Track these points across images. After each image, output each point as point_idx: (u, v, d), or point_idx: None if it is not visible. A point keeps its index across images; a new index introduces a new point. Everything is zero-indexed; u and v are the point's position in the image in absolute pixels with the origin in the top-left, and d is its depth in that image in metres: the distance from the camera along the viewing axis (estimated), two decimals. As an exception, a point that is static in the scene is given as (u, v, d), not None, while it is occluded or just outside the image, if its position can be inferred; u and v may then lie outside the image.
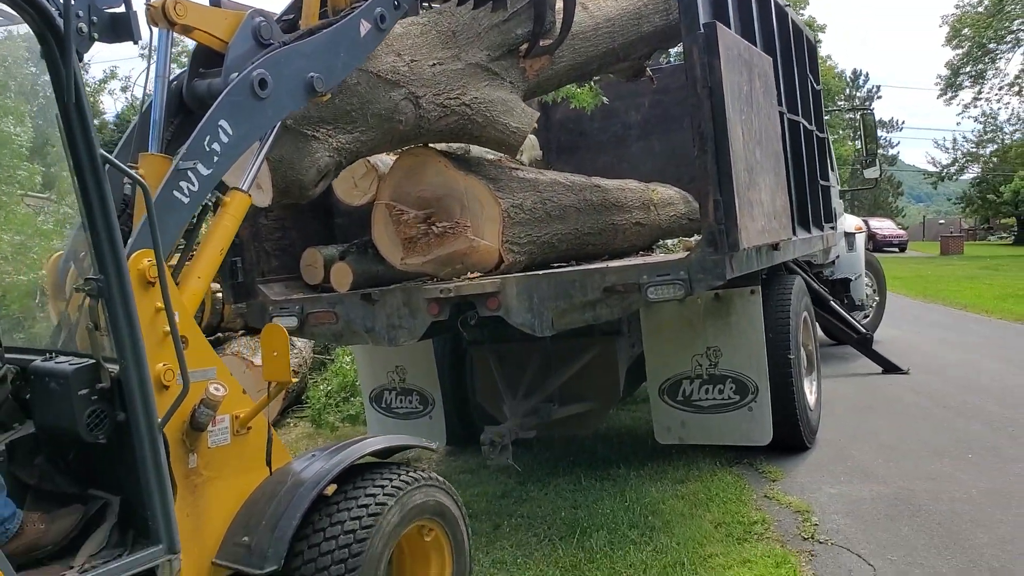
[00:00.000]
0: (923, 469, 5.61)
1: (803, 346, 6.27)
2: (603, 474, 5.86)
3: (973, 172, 55.53)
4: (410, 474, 3.33)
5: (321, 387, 8.02)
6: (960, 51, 41.91)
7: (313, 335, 5.17)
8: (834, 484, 5.41)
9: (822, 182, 7.75)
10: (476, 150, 7.06)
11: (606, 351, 5.52)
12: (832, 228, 8.37)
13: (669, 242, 7.04)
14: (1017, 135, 49.12)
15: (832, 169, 9.25)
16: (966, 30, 40.59)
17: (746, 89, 4.73)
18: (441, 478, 3.50)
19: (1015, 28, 39.89)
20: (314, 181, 4.21)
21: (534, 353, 5.55)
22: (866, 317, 10.78)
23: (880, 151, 10.48)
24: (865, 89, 73.39)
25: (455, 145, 6.74)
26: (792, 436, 5.94)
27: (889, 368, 9.14)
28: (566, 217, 5.63)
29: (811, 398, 6.32)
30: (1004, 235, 62.69)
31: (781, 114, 6.03)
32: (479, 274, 4.87)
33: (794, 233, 5.85)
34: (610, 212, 6.30)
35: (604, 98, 8.33)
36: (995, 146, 53.68)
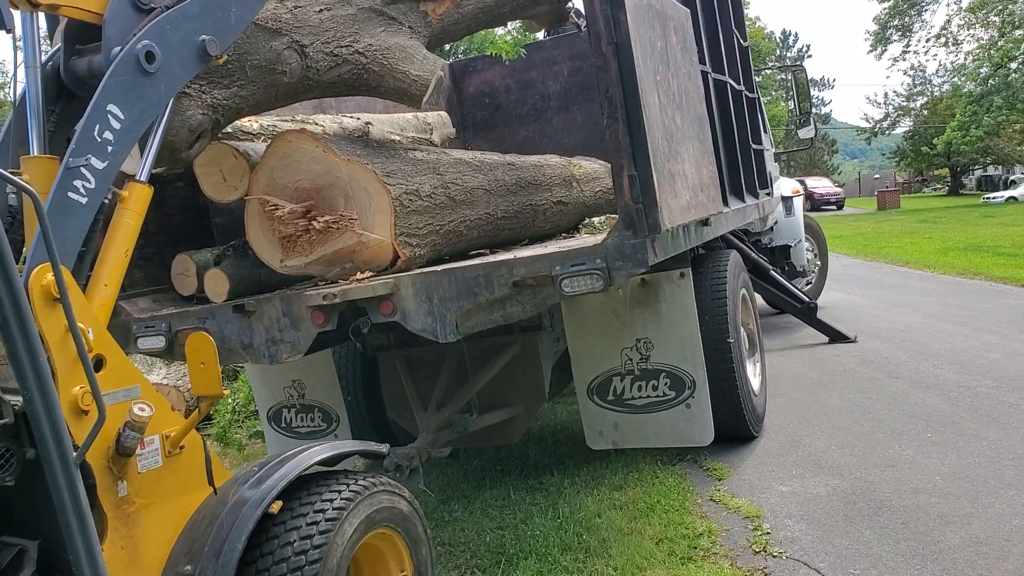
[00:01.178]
0: (881, 455, 5.12)
1: (743, 326, 5.74)
2: (535, 483, 5.28)
3: (905, 126, 56.15)
4: (360, 482, 3.14)
5: (228, 401, 7.32)
6: (887, 4, 41.98)
7: (184, 356, 4.46)
8: (786, 480, 4.89)
9: (754, 146, 7.22)
10: (378, 128, 6.43)
11: (527, 349, 4.92)
12: (768, 194, 7.86)
13: (596, 220, 6.48)
14: (946, 87, 49.64)
15: (765, 131, 8.74)
16: (891, -17, 40.63)
17: (660, 45, 4.14)
18: (392, 481, 3.32)
19: (939, -21, 40.04)
20: (187, 142, 3.76)
21: (447, 357, 4.94)
22: (808, 284, 10.35)
23: (813, 110, 10.01)
24: (795, 49, 73.62)
25: (356, 124, 6.12)
26: (737, 427, 5.42)
27: (836, 337, 8.71)
28: (475, 201, 5.01)
29: (755, 382, 5.81)
30: (938, 186, 63.72)
31: (705, 74, 5.45)
32: (370, 274, 4.23)
33: (726, 204, 5.30)
34: (527, 192, 5.71)
35: (523, 51, 7.72)
36: (924, 99, 54.29)
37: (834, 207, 44.94)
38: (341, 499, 3.01)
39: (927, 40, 43.04)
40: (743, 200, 6.18)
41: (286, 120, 5.46)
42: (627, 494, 4.87)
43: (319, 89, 4.53)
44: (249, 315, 4.28)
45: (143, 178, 3.27)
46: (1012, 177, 47.85)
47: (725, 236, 6.11)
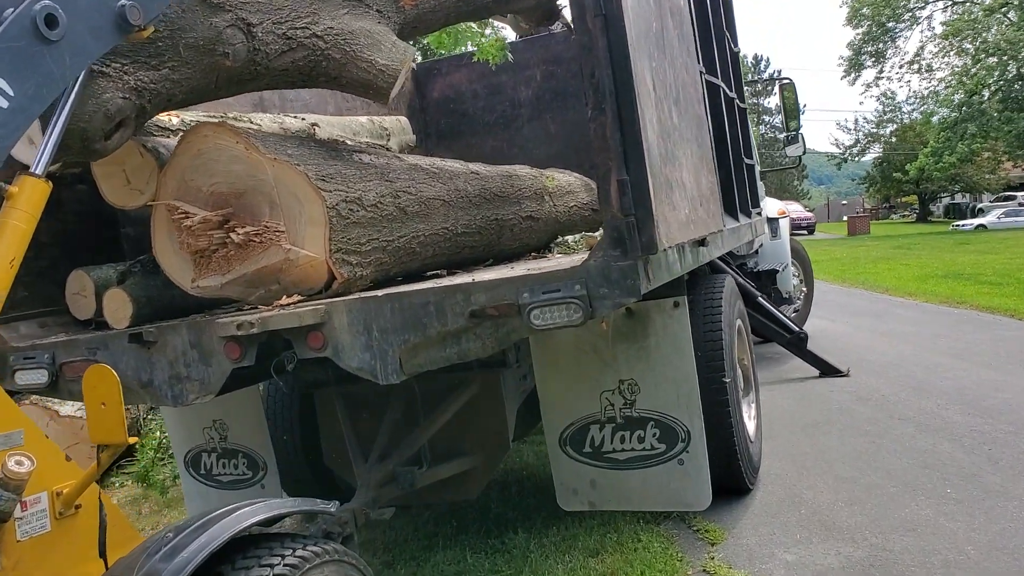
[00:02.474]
0: (897, 515, 4.42)
1: (738, 362, 5.04)
2: (496, 544, 4.52)
3: (875, 152, 56.29)
4: (307, 548, 2.65)
5: (153, 437, 6.48)
6: (860, 31, 41.93)
7: (72, 394, 3.68)
8: (790, 546, 4.16)
9: (746, 160, 6.55)
10: (327, 131, 5.69)
11: (488, 389, 4.17)
12: (759, 214, 7.19)
13: (570, 238, 5.79)
14: (916, 114, 49.79)
15: (753, 147, 8.09)
16: (865, 9, 40.55)
17: (656, 27, 3.43)
18: (344, 548, 2.83)
19: (912, 6, 40.06)
20: (102, 131, 3.18)
21: (393, 397, 4.17)
22: (796, 312, 9.70)
23: (794, 130, 9.39)
24: (767, 74, 73.75)
25: (300, 124, 5.38)
26: (732, 479, 4.71)
27: (827, 370, 8.04)
28: (430, 213, 4.27)
29: (751, 426, 5.09)
30: (906, 213, 63.92)
31: (700, 73, 4.76)
32: (299, 298, 3.48)
33: (725, 221, 4.59)
34: (493, 205, 4.99)
35: (509, 54, 7.03)
36: (894, 126, 54.46)
37: (805, 232, 44.73)
38: (285, 566, 2.54)
39: (900, 67, 42.95)
40: (736, 219, 5.49)
41: (215, 116, 4.69)
42: (604, 562, 4.12)
43: (269, 77, 3.83)
44: (149, 346, 3.51)
45: (39, 171, 2.81)
46: (980, 205, 47.95)
47: (715, 261, 5.40)
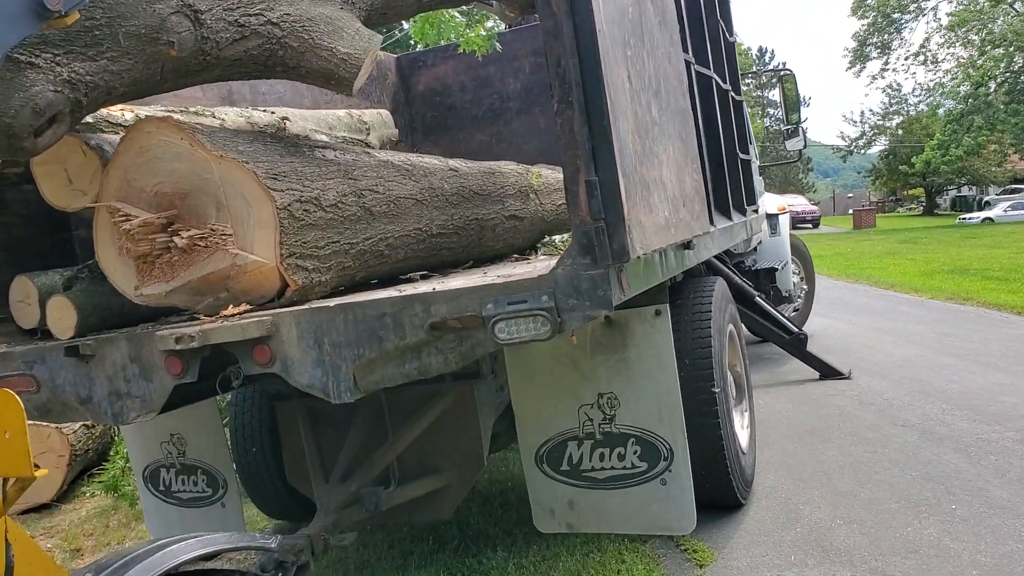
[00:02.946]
0: (898, 534, 4.15)
1: (729, 368, 4.76)
2: (473, 564, 4.26)
3: (881, 145, 55.88)
4: None
5: (124, 446, 6.24)
6: (865, 21, 41.49)
7: (8, 409, 3.41)
8: (784, 569, 3.90)
9: (742, 155, 6.26)
10: (299, 125, 5.44)
11: (462, 401, 3.90)
12: (755, 211, 6.90)
13: (557, 238, 5.53)
14: (922, 106, 49.35)
15: (750, 141, 7.80)
16: (870, 0, 40.11)
17: (633, 13, 3.15)
18: None
19: (917, -3, 39.67)
20: (29, 127, 2.90)
21: (358, 410, 3.91)
22: (796, 311, 9.41)
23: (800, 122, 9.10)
24: (772, 66, 73.20)
25: (269, 119, 5.12)
26: (722, 494, 4.44)
27: (827, 372, 7.77)
28: (401, 213, 4.01)
29: (743, 437, 4.82)
30: (912, 206, 63.49)
31: (687, 64, 4.48)
32: (246, 307, 3.21)
33: (711, 223, 4.31)
34: (472, 203, 4.73)
35: (498, 44, 6.75)
36: (900, 118, 54.03)
37: (810, 225, 44.35)
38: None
39: (906, 58, 42.55)
40: (729, 218, 5.21)
41: (176, 112, 4.42)
42: (585, 585, 3.86)
43: (220, 68, 3.57)
44: (87, 360, 3.25)
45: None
46: (986, 198, 47.51)
47: (709, 260, 5.12)
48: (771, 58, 74.26)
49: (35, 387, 3.31)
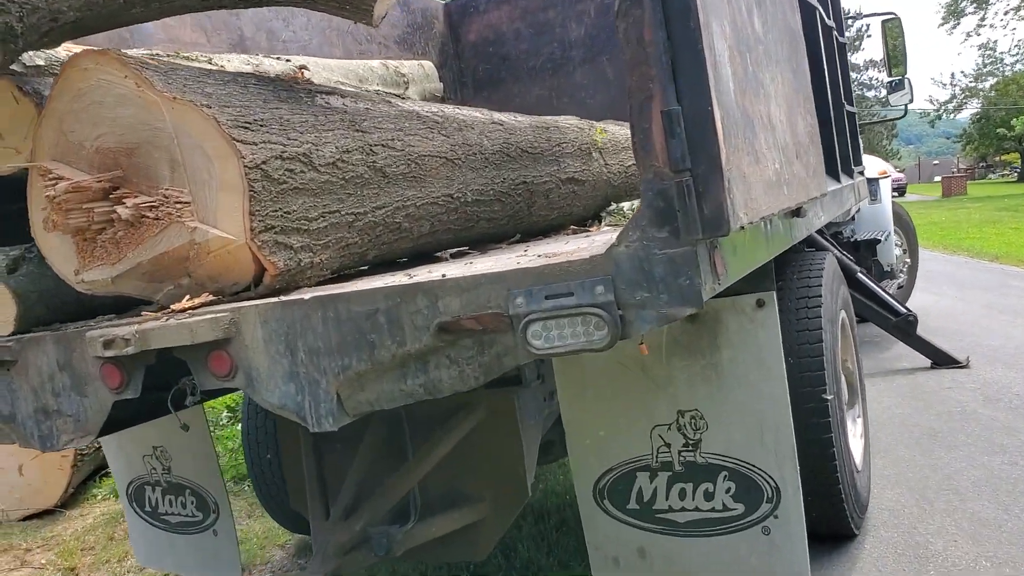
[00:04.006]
0: (1069, 585, 3.20)
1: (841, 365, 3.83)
2: (519, 606, 3.45)
3: (972, 108, 53.17)
4: None
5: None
6: (960, -25, 39.11)
7: (-74, 426, 2.71)
8: (920, 634, 2.99)
9: (847, 107, 5.26)
10: (322, 76, 4.65)
11: (499, 413, 3.06)
12: (861, 174, 5.88)
13: (626, 205, 4.63)
14: (1019, 65, 46.61)
15: (852, 92, 6.75)
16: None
17: None
18: None
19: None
20: None
21: (372, 424, 3.09)
22: (900, 287, 8.34)
23: (889, 82, 7.98)
24: (854, 29, 70.08)
25: (283, 67, 4.34)
26: (833, 523, 3.56)
27: (941, 360, 6.73)
28: (425, 175, 3.20)
29: (857, 451, 3.89)
30: (1006, 172, 60.35)
31: (791, -15, 3.52)
32: (205, 298, 2.43)
33: (826, 182, 3.36)
34: (521, 164, 3.91)
35: None
36: (995, 79, 51.22)
37: (896, 194, 42.34)
38: None
39: (1005, 12, 39.83)
40: (838, 180, 4.24)
41: (165, 57, 3.64)
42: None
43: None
44: (7, 367, 2.50)
45: None
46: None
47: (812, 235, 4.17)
48: (854, 19, 71.18)
49: (-51, 400, 2.58)
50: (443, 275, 2.06)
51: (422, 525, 3.00)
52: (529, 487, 3.02)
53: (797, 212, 2.76)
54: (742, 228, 1.82)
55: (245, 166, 2.37)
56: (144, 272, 2.54)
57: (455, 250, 3.43)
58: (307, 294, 2.19)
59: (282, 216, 2.50)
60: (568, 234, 4.08)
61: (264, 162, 2.45)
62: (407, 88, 5.45)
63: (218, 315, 2.19)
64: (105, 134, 2.54)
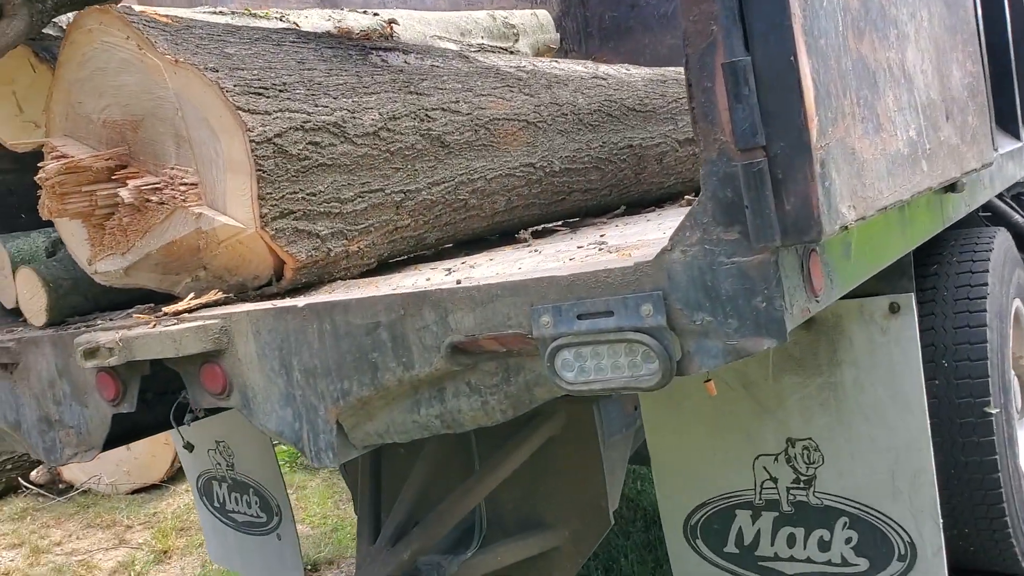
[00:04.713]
0: None
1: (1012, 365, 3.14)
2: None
3: None
4: None
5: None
6: None
7: (-56, 428, 2.51)
8: None
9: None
10: (415, 31, 4.27)
11: (576, 427, 2.59)
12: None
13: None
14: None
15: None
16: None
17: None
18: None
19: None
20: None
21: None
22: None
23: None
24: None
25: (369, 22, 3.97)
26: (996, 562, 2.91)
27: None
28: (498, 143, 2.77)
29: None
30: None
31: None
32: (216, 295, 2.08)
33: (994, 146, 2.67)
34: (625, 124, 3.44)
35: None
36: None
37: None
38: None
39: None
40: (1018, 137, 3.48)
41: (234, 14, 3.33)
42: None
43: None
44: (9, 370, 2.24)
45: None
46: None
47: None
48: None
49: (-38, 401, 2.36)
50: (457, 281, 1.62)
51: (483, 554, 2.59)
52: (611, 514, 2.55)
53: (952, 187, 2.14)
54: (847, 228, 1.28)
55: (252, 141, 2.00)
56: (156, 263, 2.22)
57: (537, 228, 2.97)
58: (301, 301, 1.79)
59: (304, 199, 2.12)
60: (683, 205, 3.53)
61: (279, 135, 2.07)
62: (516, 41, 4.97)
63: (208, 323, 1.83)
64: (111, 105, 2.23)
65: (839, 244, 1.47)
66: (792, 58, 1.16)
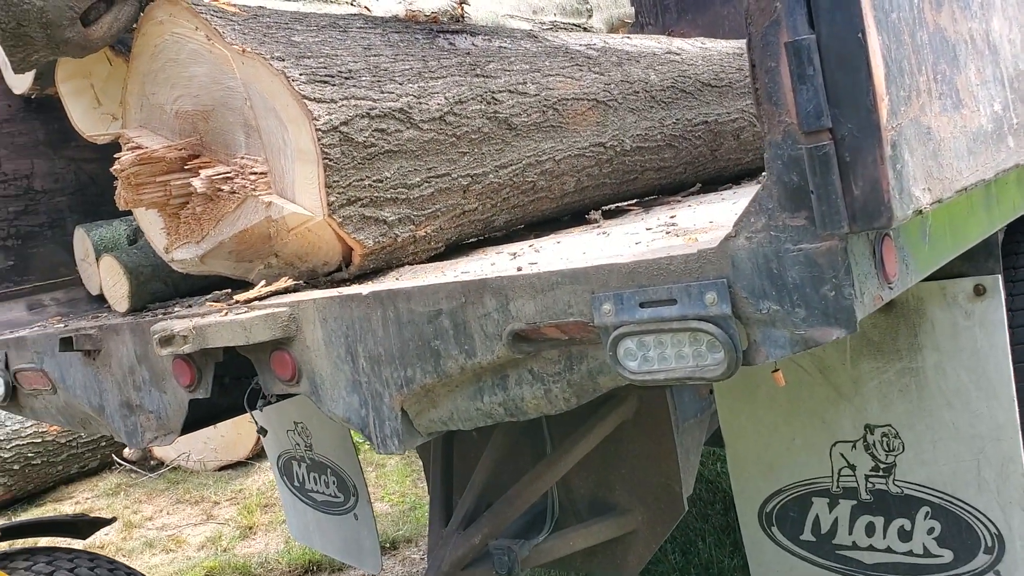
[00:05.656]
0: None
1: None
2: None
3: None
4: None
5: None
6: None
7: (35, 412, 2.61)
8: None
9: None
10: (487, 10, 4.24)
11: (649, 412, 2.55)
12: None
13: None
14: None
15: None
16: None
17: None
18: None
19: None
20: (69, 10, 2.12)
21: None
22: None
23: None
24: None
25: (441, 2, 3.98)
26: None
27: None
28: (567, 124, 2.74)
29: None
30: None
31: None
32: (287, 282, 2.11)
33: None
34: (699, 100, 3.39)
35: None
36: None
37: None
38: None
39: None
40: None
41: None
42: None
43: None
44: (92, 356, 2.31)
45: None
46: None
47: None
48: None
49: (50, 386, 2.45)
50: (518, 268, 1.60)
51: (555, 539, 2.58)
52: (685, 500, 2.51)
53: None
54: (921, 213, 1.21)
55: (318, 130, 2.01)
56: (230, 251, 2.26)
57: (609, 208, 2.93)
58: (366, 288, 1.80)
59: (371, 185, 2.13)
60: (760, 182, 3.44)
61: (345, 123, 2.07)
62: (590, 17, 4.90)
63: (276, 311, 1.85)
64: (182, 96, 2.27)
65: (915, 227, 1.40)
66: (860, 35, 1.10)
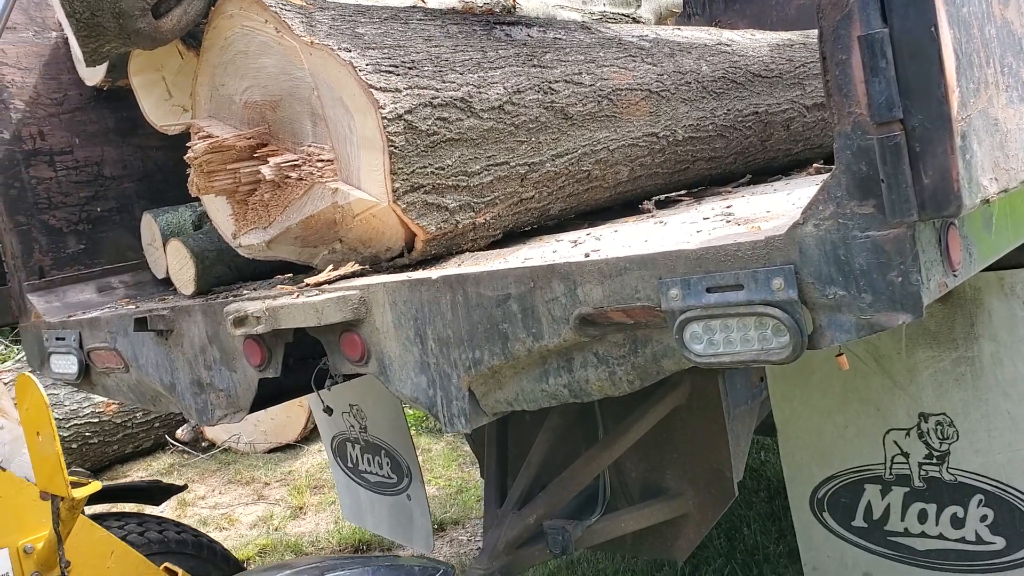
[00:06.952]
0: None
1: None
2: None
3: None
4: None
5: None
6: None
7: (107, 390, 2.71)
8: None
9: None
10: (538, 2, 4.28)
11: (701, 397, 2.60)
12: None
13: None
14: None
15: None
16: None
17: None
18: None
19: None
20: (143, 3, 2.21)
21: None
22: None
23: None
24: None
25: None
26: None
27: None
28: (621, 114, 2.78)
29: None
30: None
31: None
32: (353, 267, 2.19)
33: None
34: (750, 91, 3.41)
35: None
36: None
37: None
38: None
39: None
40: None
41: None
42: None
43: None
44: (164, 336, 2.40)
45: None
46: None
47: None
48: None
49: (123, 365, 2.55)
50: (586, 255, 1.65)
51: (607, 520, 2.64)
52: (735, 485, 2.56)
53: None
54: (987, 202, 1.25)
55: (384, 118, 2.07)
56: (296, 236, 2.33)
57: (660, 197, 2.97)
58: (436, 272, 1.86)
59: (433, 173, 2.19)
60: (811, 173, 3.47)
61: (409, 111, 2.13)
62: (639, 6, 4.92)
63: (347, 294, 1.92)
64: (251, 87, 2.34)
65: (979, 217, 1.43)
66: (933, 29, 1.14)
